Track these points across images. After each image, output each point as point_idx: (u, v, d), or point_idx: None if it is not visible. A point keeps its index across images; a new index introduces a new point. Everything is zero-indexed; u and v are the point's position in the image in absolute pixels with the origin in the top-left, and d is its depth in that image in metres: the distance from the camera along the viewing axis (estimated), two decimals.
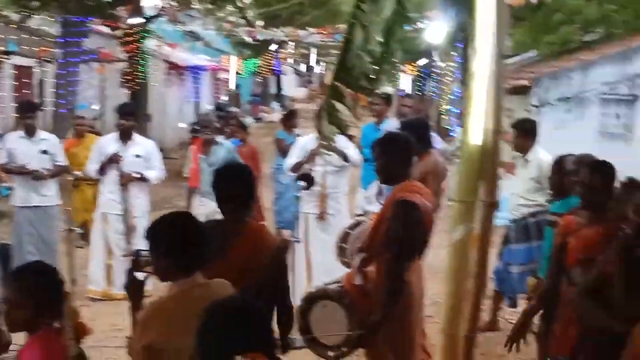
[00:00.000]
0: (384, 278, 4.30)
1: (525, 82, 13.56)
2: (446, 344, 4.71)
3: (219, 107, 18.68)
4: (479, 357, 6.09)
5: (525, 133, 6.74)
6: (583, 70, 13.61)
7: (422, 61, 21.44)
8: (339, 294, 4.42)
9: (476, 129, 4.58)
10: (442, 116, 16.55)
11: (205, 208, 7.47)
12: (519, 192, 6.66)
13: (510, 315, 7.18)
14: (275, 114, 30.78)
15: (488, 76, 4.53)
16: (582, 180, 4.25)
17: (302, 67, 45.62)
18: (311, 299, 4.55)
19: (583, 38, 15.85)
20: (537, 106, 13.34)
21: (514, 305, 6.98)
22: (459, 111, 15.81)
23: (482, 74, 4.62)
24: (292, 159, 7.34)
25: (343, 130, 4.52)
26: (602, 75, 13.26)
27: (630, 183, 3.98)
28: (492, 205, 4.65)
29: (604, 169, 4.21)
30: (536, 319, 4.93)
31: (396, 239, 4.28)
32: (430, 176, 6.41)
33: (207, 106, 23.88)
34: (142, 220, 7.62)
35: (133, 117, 8.04)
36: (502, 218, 6.81)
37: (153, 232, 3.13)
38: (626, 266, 3.51)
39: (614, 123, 13.11)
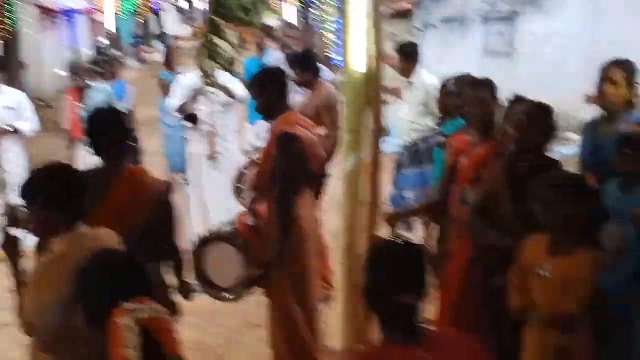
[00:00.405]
0: (273, 214, 4.23)
1: (406, 6, 13.58)
2: (345, 274, 4.73)
3: (99, 51, 17.96)
4: None
5: (407, 56, 6.73)
6: None
7: None
8: (231, 235, 4.33)
9: (358, 56, 4.52)
10: (327, 46, 16.45)
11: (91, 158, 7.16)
12: (408, 116, 6.67)
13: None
14: (158, 54, 29.92)
15: (366, 2, 4.45)
16: (464, 98, 4.26)
17: (184, 4, 44.45)
18: (204, 242, 4.44)
19: None
20: (420, 29, 13.40)
21: (409, 228, 7.05)
22: (341, 41, 15.75)
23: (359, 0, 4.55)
24: (176, 99, 7.11)
25: (226, 65, 4.37)
26: None
27: (516, 99, 3.99)
28: (380, 132, 4.63)
29: (485, 86, 4.22)
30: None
31: (280, 173, 4.22)
32: (323, 108, 6.34)
33: (86, 51, 22.97)
34: (18, 174, 7.25)
35: None
36: (394, 144, 6.83)
37: (30, 185, 2.93)
38: (510, 183, 3.54)
39: (496, 41, 13.32)
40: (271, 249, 4.25)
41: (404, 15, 13.57)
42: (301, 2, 20.69)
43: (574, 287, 3.11)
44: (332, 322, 4.93)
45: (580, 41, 10.81)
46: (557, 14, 11.89)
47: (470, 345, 2.44)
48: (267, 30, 8.26)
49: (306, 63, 6.44)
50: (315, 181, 4.60)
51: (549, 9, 12.19)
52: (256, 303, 5.65)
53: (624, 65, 4.05)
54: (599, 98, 4.07)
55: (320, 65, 6.91)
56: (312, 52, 7.16)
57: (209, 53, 4.33)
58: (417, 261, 2.40)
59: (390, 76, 7.29)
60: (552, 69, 11.00)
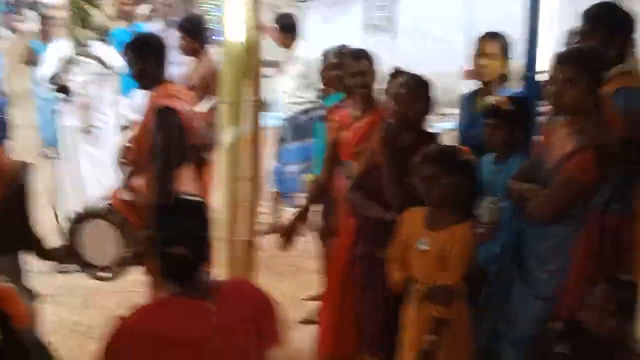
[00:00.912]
0: (153, 190, 4.09)
1: None
2: (225, 251, 4.63)
3: None
4: (265, 259, 6.08)
5: (287, 28, 6.67)
6: None
7: None
8: (108, 211, 4.15)
9: (236, 26, 4.41)
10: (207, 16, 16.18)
11: None
12: (289, 89, 6.60)
13: (292, 215, 7.24)
14: (31, 23, 28.65)
15: None
16: (344, 70, 4.23)
17: None
18: (79, 219, 4.25)
19: None
20: (300, 2, 13.31)
21: (294, 205, 7.02)
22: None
23: None
24: (47, 69, 6.77)
25: (101, 35, 4.18)
26: None
27: (396, 73, 3.98)
28: (259, 105, 4.55)
29: (365, 57, 4.19)
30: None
31: (159, 149, 4.09)
32: (211, 77, 6.12)
33: None
34: None
35: None
36: (276, 118, 6.76)
37: None
38: (391, 157, 3.53)
39: (377, 16, 13.41)
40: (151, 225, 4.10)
41: None
42: None
43: (451, 260, 3.13)
44: None
45: (461, 16, 11.01)
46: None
47: (255, 292, 2.64)
48: None
49: (194, 29, 6.15)
50: (197, 155, 4.46)
51: None
52: (136, 282, 5.50)
53: (498, 38, 4.11)
54: (475, 71, 4.12)
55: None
56: (200, 18, 6.92)
57: (82, 22, 4.11)
58: (192, 215, 2.49)
59: (271, 49, 7.21)
60: (433, 44, 11.18)
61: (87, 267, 4.27)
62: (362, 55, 4.24)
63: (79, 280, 4.91)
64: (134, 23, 7.97)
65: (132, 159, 4.28)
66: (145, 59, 4.26)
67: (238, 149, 4.38)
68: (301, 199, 6.91)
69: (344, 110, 4.35)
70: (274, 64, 7.05)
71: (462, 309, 3.22)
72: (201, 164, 4.55)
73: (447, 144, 3.73)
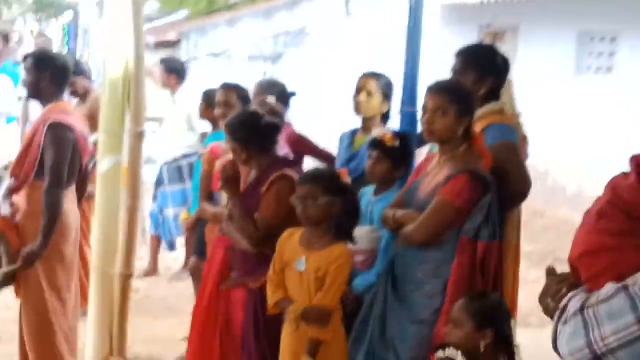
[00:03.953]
0: (44, 207, 3.96)
1: (173, 37, 13.55)
2: (99, 283, 4.48)
3: None
4: (142, 301, 5.95)
5: (171, 70, 6.69)
6: (230, 27, 13.95)
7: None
8: None
9: (116, 56, 4.39)
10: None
11: None
12: (170, 132, 6.58)
13: (170, 260, 7.14)
14: None
15: (125, 3, 4.35)
16: (216, 104, 4.29)
17: None
18: None
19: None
20: (186, 61, 13.39)
21: (172, 248, 6.93)
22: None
23: (118, 1, 4.42)
24: None
25: None
26: (248, 33, 13.70)
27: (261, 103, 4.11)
28: (139, 135, 4.50)
29: (233, 90, 4.36)
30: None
31: (51, 164, 3.98)
32: (98, 115, 5.99)
33: None
34: None
35: None
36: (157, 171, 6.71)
37: None
38: (235, 192, 3.58)
39: (263, 78, 13.60)
40: (36, 243, 3.94)
41: (169, 45, 13.51)
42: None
43: (328, 281, 3.15)
44: (83, 336, 4.67)
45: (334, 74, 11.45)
46: (316, 54, 12.48)
47: None
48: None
49: (81, 67, 6.10)
50: (84, 179, 4.35)
51: (308, 50, 12.77)
52: (2, 319, 5.24)
53: (378, 76, 4.25)
54: (355, 108, 4.23)
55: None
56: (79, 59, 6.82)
57: None
58: None
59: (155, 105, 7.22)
60: (315, 101, 11.51)
61: None
62: (229, 87, 4.29)
63: None
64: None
65: (15, 172, 4.10)
66: (43, 71, 4.15)
67: (116, 177, 4.31)
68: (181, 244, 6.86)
69: (218, 144, 4.38)
70: (157, 120, 7.06)
71: (338, 330, 3.25)
72: (84, 190, 4.43)
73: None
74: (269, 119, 3.71)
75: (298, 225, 3.29)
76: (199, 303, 3.91)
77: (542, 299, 1.84)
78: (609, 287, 1.59)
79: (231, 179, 3.52)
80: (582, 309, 1.62)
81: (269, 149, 3.64)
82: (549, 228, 8.40)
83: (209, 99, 5.09)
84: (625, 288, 1.56)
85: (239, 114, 3.76)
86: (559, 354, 1.68)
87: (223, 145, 4.27)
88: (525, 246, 7.10)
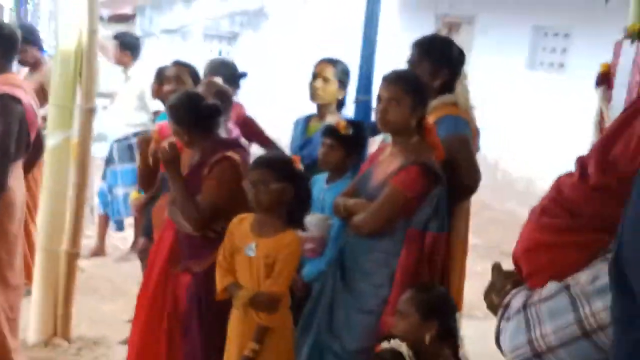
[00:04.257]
0: None
1: (128, 11, 13.35)
2: (45, 261, 4.44)
3: None
4: (87, 281, 5.88)
5: (127, 47, 6.56)
6: (186, 4, 13.78)
7: None
8: None
9: (69, 29, 4.32)
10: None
11: None
12: (122, 109, 6.48)
13: (117, 240, 7.06)
14: None
15: None
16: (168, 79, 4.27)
17: None
18: None
19: None
20: (141, 36, 13.21)
21: (121, 228, 6.85)
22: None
23: None
24: None
25: None
26: (204, 11, 13.56)
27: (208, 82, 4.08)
28: (90, 111, 4.44)
29: (185, 67, 4.28)
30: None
31: None
32: (49, 86, 5.86)
33: None
34: None
35: None
36: (107, 148, 6.60)
37: None
38: (175, 173, 3.55)
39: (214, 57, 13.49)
40: None
41: (124, 19, 13.31)
42: None
43: (277, 268, 3.15)
44: (27, 315, 4.61)
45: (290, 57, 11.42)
46: (272, 36, 12.43)
47: None
48: None
49: (35, 37, 5.89)
50: (33, 153, 4.24)
51: (265, 32, 12.71)
52: None
53: (335, 63, 4.23)
54: (311, 94, 4.22)
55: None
56: (33, 26, 6.63)
57: None
58: None
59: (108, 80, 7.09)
60: (270, 84, 11.46)
61: None
62: (180, 64, 4.23)
63: None
64: None
65: None
66: None
67: (65, 153, 4.25)
68: (130, 223, 6.78)
69: (166, 122, 4.33)
70: (108, 95, 6.93)
71: (286, 317, 3.24)
72: (31, 164, 4.32)
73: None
74: (211, 101, 3.67)
75: (240, 208, 3.28)
76: (145, 285, 3.87)
77: (487, 295, 1.86)
78: (551, 286, 1.62)
79: (172, 161, 3.47)
80: (524, 307, 1.64)
81: (211, 131, 3.59)
82: (496, 221, 8.52)
83: (161, 78, 5.02)
84: (567, 288, 1.58)
85: (180, 95, 3.69)
86: (501, 350, 1.71)
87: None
88: (471, 238, 7.17)
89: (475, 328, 4.47)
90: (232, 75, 4.88)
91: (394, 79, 3.26)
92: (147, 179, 4.11)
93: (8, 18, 11.69)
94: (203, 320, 3.48)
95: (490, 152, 8.93)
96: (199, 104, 3.57)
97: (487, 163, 9.15)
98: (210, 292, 3.31)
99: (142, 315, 3.79)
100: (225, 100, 3.96)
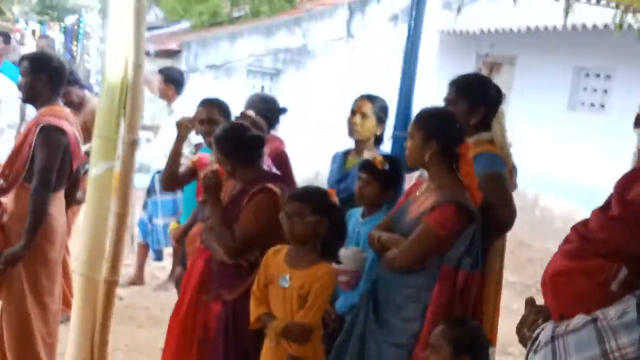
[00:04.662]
0: (29, 208, 3.95)
1: (174, 47, 13.59)
2: (84, 288, 4.49)
3: None
4: (125, 309, 5.96)
5: (171, 80, 6.70)
6: (231, 41, 14.00)
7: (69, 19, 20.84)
8: None
9: (116, 62, 4.42)
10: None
11: None
12: (165, 142, 6.58)
13: (156, 269, 7.15)
14: None
15: (127, 10, 4.39)
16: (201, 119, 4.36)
17: None
18: None
19: (232, 12, 16.33)
20: (185, 72, 13.45)
21: (160, 258, 6.94)
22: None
23: (120, 8, 4.46)
24: None
25: None
26: (248, 48, 13.77)
27: (242, 116, 4.24)
28: (133, 143, 4.53)
29: (214, 105, 4.38)
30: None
31: (40, 166, 3.98)
32: (92, 124, 5.99)
33: None
34: None
35: None
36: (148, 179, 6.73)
37: None
38: (216, 202, 3.63)
39: (254, 93, 13.65)
40: (20, 244, 3.95)
41: (170, 55, 13.55)
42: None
43: (310, 299, 3.18)
44: (64, 342, 4.68)
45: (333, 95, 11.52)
46: (315, 73, 12.60)
47: None
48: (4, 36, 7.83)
49: (75, 77, 6.04)
50: (73, 183, 4.36)
51: (307, 70, 12.89)
52: None
53: (373, 99, 4.29)
54: (349, 129, 4.27)
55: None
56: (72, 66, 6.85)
57: None
58: None
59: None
60: (311, 120, 11.58)
61: None
62: (210, 103, 4.32)
63: None
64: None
65: (5, 172, 4.09)
66: (38, 74, 4.13)
67: (107, 183, 4.33)
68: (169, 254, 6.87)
69: (205, 155, 4.41)
70: (152, 128, 7.08)
71: (318, 349, 3.27)
72: (72, 195, 4.43)
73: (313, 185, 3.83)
74: (254, 132, 3.74)
75: (276, 240, 3.32)
76: (176, 312, 3.93)
77: (520, 329, 1.88)
78: (579, 319, 1.63)
79: (213, 188, 3.56)
80: (552, 338, 1.66)
81: (253, 162, 3.66)
82: (534, 260, 8.45)
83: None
84: (594, 321, 1.60)
85: (226, 126, 3.79)
86: None
87: (211, 156, 4.31)
88: (509, 276, 7.17)
89: None
90: (271, 109, 4.95)
91: (421, 118, 3.31)
92: (172, 174, 4.26)
93: (59, 52, 12.01)
94: (232, 349, 3.52)
95: (529, 191, 8.90)
96: (243, 135, 3.65)
97: (527, 201, 9.12)
98: (241, 320, 3.35)
99: (173, 342, 3.85)
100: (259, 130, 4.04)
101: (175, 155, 4.28)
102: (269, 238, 3.40)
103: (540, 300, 1.96)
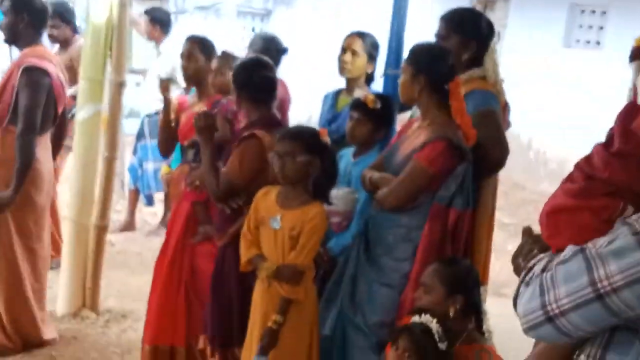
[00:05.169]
0: (16, 152, 3.89)
1: None
2: (74, 233, 4.49)
3: None
4: (117, 255, 5.95)
5: (157, 21, 6.60)
6: None
7: None
8: None
9: (100, 5, 4.33)
10: None
11: None
12: (153, 84, 6.48)
13: (147, 215, 7.13)
14: None
15: None
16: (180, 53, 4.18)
17: None
18: None
19: None
20: (174, 13, 13.23)
21: (151, 203, 6.91)
22: None
23: None
24: None
25: None
26: None
27: (224, 55, 4.01)
28: (120, 85, 4.46)
29: (196, 43, 4.13)
30: None
31: (25, 109, 3.90)
32: (77, 63, 5.91)
33: None
34: None
35: None
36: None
37: None
38: (208, 142, 3.54)
39: (249, 35, 13.46)
40: (10, 190, 3.90)
41: None
42: None
43: (302, 240, 3.14)
44: (56, 287, 4.68)
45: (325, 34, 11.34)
46: (305, 12, 12.40)
47: None
48: None
49: (69, 15, 5.92)
50: (59, 126, 4.28)
51: (298, 8, 12.68)
52: None
53: (364, 36, 4.20)
54: (340, 67, 4.19)
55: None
56: (70, 4, 6.67)
57: None
58: None
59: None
60: (302, 60, 11.43)
61: None
62: (192, 39, 4.19)
63: None
64: None
65: None
66: (18, 16, 4.04)
67: (95, 126, 4.28)
68: (160, 198, 6.84)
69: (184, 97, 4.33)
70: (141, 72, 6.97)
71: (311, 290, 3.24)
72: (59, 141, 4.36)
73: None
74: (269, 73, 3.62)
75: (262, 187, 3.28)
76: (162, 256, 3.90)
77: (515, 258, 1.85)
78: (568, 249, 1.59)
79: (205, 128, 3.48)
80: (542, 270, 1.62)
81: (260, 102, 3.54)
82: (527, 201, 8.44)
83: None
84: (583, 250, 1.56)
85: (245, 59, 3.69)
86: (517, 314, 1.69)
87: (190, 98, 4.22)
88: (503, 218, 7.16)
89: (505, 306, 4.44)
90: (270, 49, 4.80)
91: (412, 55, 3.26)
92: (166, 142, 4.13)
93: None
94: (219, 291, 3.50)
95: (523, 131, 8.84)
96: (256, 72, 3.54)
97: (520, 142, 9.07)
98: (229, 263, 3.33)
99: (159, 286, 3.83)
100: None
101: (165, 125, 4.10)
102: (253, 185, 3.35)
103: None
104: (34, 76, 3.93)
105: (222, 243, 3.52)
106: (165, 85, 4.01)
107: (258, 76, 3.53)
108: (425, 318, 2.79)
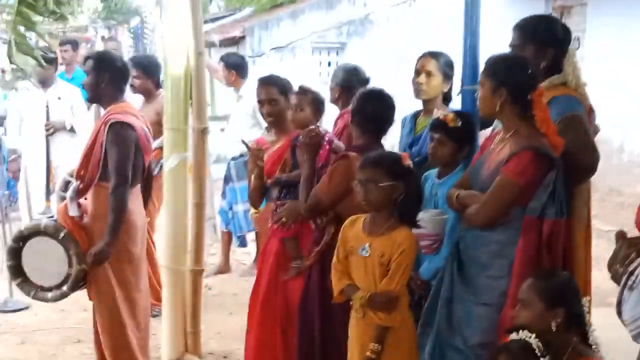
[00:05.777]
0: (110, 206, 4.00)
1: (238, 34, 13.66)
2: (171, 280, 4.57)
3: None
4: (214, 298, 6.03)
5: (234, 67, 6.74)
6: (293, 20, 13.97)
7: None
8: (53, 228, 4.05)
9: (177, 53, 4.44)
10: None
11: None
12: (236, 128, 6.61)
13: (241, 255, 7.21)
14: None
15: (183, 2, 4.40)
16: (258, 100, 4.23)
17: None
18: (23, 237, 4.15)
19: None
20: (251, 57, 13.49)
21: (243, 244, 6.99)
22: None
23: (176, 1, 4.47)
24: None
25: (36, 59, 4.12)
26: (311, 24, 13.71)
27: (301, 90, 4.04)
28: (203, 132, 4.54)
29: (273, 85, 4.18)
30: None
31: (116, 162, 4.00)
32: (162, 116, 6.04)
33: None
34: None
35: None
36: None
37: None
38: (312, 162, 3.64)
39: (326, 71, 13.59)
40: (103, 243, 3.99)
41: (235, 42, 13.63)
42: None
43: (393, 266, 3.12)
44: (159, 335, 4.76)
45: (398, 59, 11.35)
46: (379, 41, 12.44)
47: None
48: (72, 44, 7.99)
49: (152, 68, 6.06)
50: (147, 178, 4.39)
51: (372, 38, 12.74)
52: (80, 320, 5.38)
53: (437, 56, 4.13)
54: (415, 90, 4.14)
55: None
56: (157, 59, 6.88)
57: (19, 47, 4.01)
58: None
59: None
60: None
61: (31, 286, 4.17)
62: (267, 82, 4.22)
63: (20, 317, 4.76)
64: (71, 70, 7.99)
65: (80, 173, 4.13)
66: (102, 73, 4.16)
67: (181, 174, 4.37)
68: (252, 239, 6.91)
69: (261, 136, 4.38)
70: (224, 118, 7.11)
71: (406, 316, 3.21)
72: (148, 191, 4.46)
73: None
74: (383, 105, 3.73)
75: (350, 208, 3.28)
76: (254, 295, 3.94)
77: (611, 264, 1.77)
78: None
79: (311, 147, 3.61)
80: None
81: (368, 131, 3.67)
82: (625, 205, 8.13)
83: None
84: None
85: (370, 89, 3.90)
86: (622, 320, 1.61)
87: (267, 137, 4.26)
88: (602, 225, 6.91)
89: (610, 317, 4.27)
90: (350, 80, 4.80)
91: (490, 66, 3.20)
92: (259, 192, 4.12)
93: (127, 55, 12.18)
94: (318, 324, 3.52)
95: (615, 135, 8.57)
96: (369, 101, 3.71)
97: (612, 146, 8.80)
98: (324, 295, 3.34)
99: (255, 325, 3.87)
100: (318, 105, 4.00)
101: (258, 188, 4.11)
102: (340, 205, 3.40)
103: None
104: (120, 131, 4.03)
105: (309, 263, 3.54)
106: (257, 155, 4.03)
107: (372, 106, 3.65)
108: (524, 334, 2.72)
